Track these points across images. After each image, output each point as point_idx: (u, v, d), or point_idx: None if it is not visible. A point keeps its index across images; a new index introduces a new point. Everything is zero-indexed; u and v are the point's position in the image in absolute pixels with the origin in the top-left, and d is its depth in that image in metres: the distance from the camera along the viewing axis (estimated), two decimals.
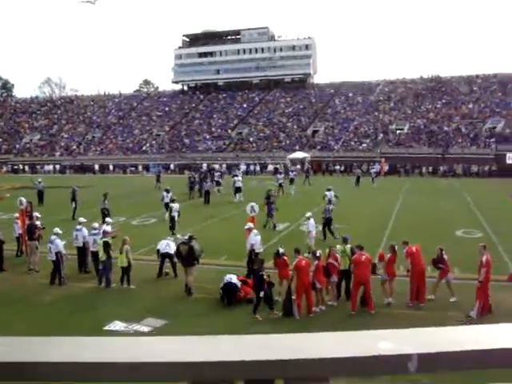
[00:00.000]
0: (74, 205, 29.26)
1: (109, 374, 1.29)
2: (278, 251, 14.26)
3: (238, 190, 36.51)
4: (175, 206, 24.56)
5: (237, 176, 39.54)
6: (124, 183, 54.81)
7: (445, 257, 14.13)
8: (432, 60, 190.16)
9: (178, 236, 21.93)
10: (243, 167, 63.77)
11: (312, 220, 19.28)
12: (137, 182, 54.37)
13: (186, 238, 16.12)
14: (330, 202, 24.03)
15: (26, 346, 1.38)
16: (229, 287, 14.27)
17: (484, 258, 12.86)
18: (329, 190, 27.79)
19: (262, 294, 12.99)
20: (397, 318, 12.85)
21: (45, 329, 12.32)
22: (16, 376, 1.30)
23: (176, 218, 24.26)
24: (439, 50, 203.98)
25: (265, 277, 13.37)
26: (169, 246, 16.94)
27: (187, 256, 15.26)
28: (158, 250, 17.15)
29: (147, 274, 17.17)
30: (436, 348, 1.28)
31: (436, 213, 29.26)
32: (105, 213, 25.56)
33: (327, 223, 22.56)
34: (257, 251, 16.30)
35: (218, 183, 42.30)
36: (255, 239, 16.68)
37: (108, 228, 17.67)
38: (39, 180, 36.09)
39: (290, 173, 46.45)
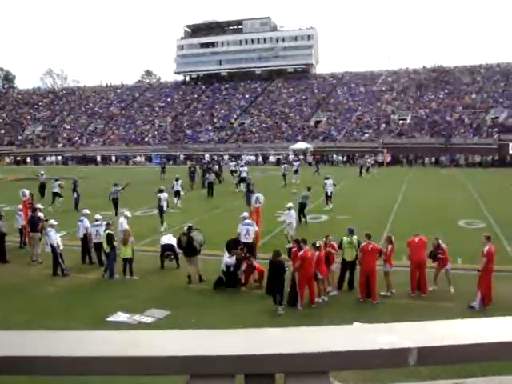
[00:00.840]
0: (75, 195, 29.55)
1: (108, 367, 1.30)
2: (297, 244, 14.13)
3: (242, 180, 36.55)
4: (163, 195, 24.09)
5: (242, 166, 40.59)
6: (126, 174, 54.81)
7: (443, 246, 14.12)
8: (435, 50, 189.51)
9: (162, 229, 22.46)
10: (246, 158, 63.79)
11: (293, 211, 19.12)
12: (139, 173, 54.38)
13: (186, 229, 16.19)
14: (309, 189, 24.80)
15: (22, 340, 1.39)
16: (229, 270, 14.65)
17: (486, 249, 12.83)
18: (327, 178, 28.86)
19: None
20: (399, 309, 12.87)
21: (47, 320, 12.36)
22: (13, 370, 1.31)
23: (164, 208, 24.00)
24: (442, 40, 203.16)
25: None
26: (170, 239, 17.03)
27: (187, 246, 15.37)
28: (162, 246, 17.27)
29: (150, 265, 17.21)
30: (435, 342, 1.29)
31: (438, 203, 29.22)
32: (116, 202, 26.84)
33: (301, 209, 23.50)
34: (243, 241, 16.25)
35: (218, 175, 42.27)
36: (241, 228, 16.79)
37: (124, 222, 17.82)
38: (42, 172, 35.94)
39: (294, 163, 47.03)
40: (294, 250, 13.99)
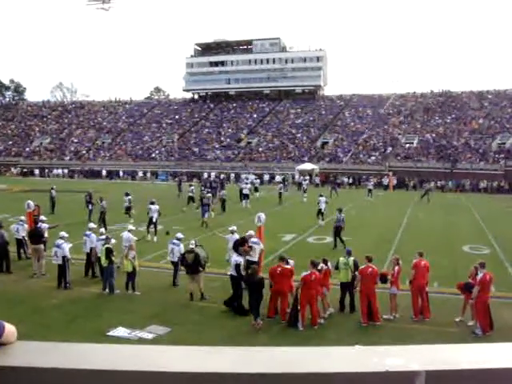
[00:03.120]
0: (90, 207, 30.11)
1: (110, 382, 1.29)
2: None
3: (245, 196, 39.13)
4: (153, 207, 25.31)
5: (247, 184, 42.51)
6: (132, 190, 54.93)
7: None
8: (442, 75, 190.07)
9: (149, 238, 24.07)
10: (252, 177, 63.92)
11: (236, 235, 18.18)
12: (146, 189, 54.42)
13: (192, 245, 16.14)
14: (340, 211, 23.87)
15: (22, 351, 1.38)
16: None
17: (479, 277, 12.66)
18: (321, 195, 30.73)
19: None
20: (401, 333, 12.77)
21: (47, 333, 12.32)
22: (11, 381, 1.30)
23: (154, 220, 24.98)
24: (450, 65, 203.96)
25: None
26: (173, 252, 16.92)
27: (193, 263, 15.28)
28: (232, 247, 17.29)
29: (153, 281, 17.17)
30: (443, 365, 1.27)
31: (443, 228, 29.14)
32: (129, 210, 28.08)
33: (337, 232, 23.16)
34: (248, 258, 16.23)
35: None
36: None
37: (129, 236, 17.79)
38: (53, 186, 35.66)
39: (303, 182, 50.55)
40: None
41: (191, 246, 16.06)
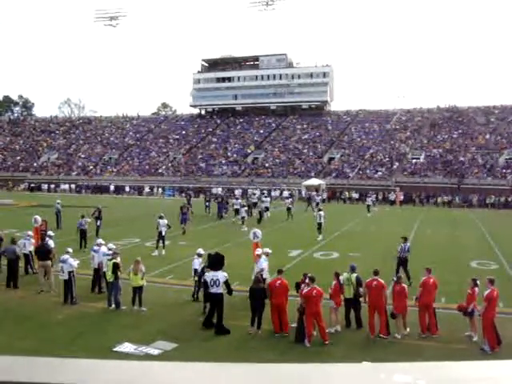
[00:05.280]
0: (98, 223, 30.02)
1: None
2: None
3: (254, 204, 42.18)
4: (162, 221, 25.55)
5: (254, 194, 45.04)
6: (140, 205, 55.06)
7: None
8: (449, 90, 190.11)
9: (156, 253, 24.69)
10: (258, 192, 63.98)
11: (201, 259, 17.47)
12: (154, 204, 54.47)
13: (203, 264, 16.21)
14: (406, 239, 20.39)
15: (28, 366, 1.38)
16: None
17: (486, 293, 12.62)
18: (320, 210, 32.11)
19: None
20: (409, 349, 12.69)
21: (54, 348, 12.30)
22: None
23: (163, 233, 25.24)
24: (456, 81, 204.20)
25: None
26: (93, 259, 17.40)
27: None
28: (196, 270, 17.00)
29: (159, 297, 17.14)
30: (450, 382, 1.27)
31: (450, 243, 29.00)
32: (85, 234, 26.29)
33: (401, 263, 19.38)
34: (264, 276, 16.15)
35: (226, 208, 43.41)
36: (265, 264, 16.68)
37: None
38: (58, 201, 35.76)
39: (316, 197, 51.50)
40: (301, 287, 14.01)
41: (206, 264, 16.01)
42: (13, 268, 18.86)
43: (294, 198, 58.60)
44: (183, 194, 56.47)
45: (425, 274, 14.21)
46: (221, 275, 14.33)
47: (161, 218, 25.91)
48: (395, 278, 14.14)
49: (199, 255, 17.32)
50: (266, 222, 38.02)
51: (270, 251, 17.59)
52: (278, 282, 13.99)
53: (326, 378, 1.32)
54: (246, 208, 37.13)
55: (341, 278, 14.54)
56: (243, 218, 35.91)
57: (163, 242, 25.24)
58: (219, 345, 12.93)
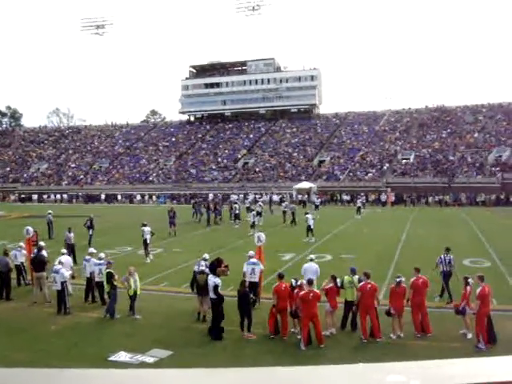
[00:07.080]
0: (90, 232, 30.10)
1: None
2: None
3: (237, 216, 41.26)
4: (146, 229, 25.82)
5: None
6: (131, 213, 54.91)
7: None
8: (437, 90, 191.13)
9: (148, 260, 24.89)
10: (251, 197, 63.78)
11: (203, 263, 17.14)
12: (145, 212, 54.28)
13: (202, 267, 16.19)
14: (448, 250, 17.75)
15: (24, 378, 1.38)
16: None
17: (478, 290, 12.68)
18: (307, 213, 32.59)
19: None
20: (404, 349, 12.72)
21: (49, 359, 12.22)
22: None
23: (148, 241, 25.52)
24: (444, 81, 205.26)
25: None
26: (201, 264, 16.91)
27: (205, 286, 14.94)
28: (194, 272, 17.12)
29: (153, 304, 17.08)
30: (444, 381, 1.28)
31: (443, 242, 29.04)
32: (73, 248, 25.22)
33: (446, 278, 17.10)
34: (249, 280, 16.17)
35: (219, 212, 43.18)
36: (246, 268, 16.72)
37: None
38: (49, 211, 35.49)
39: (315, 200, 51.40)
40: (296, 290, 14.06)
41: (202, 268, 16.06)
42: (5, 280, 18.74)
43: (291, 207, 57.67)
44: (193, 201, 54.65)
45: (414, 275, 14.26)
46: (212, 280, 14.39)
47: (144, 225, 26.29)
48: (397, 280, 14.11)
49: (205, 260, 17.30)
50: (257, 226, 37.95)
51: (253, 253, 17.48)
52: (284, 285, 14.10)
53: (322, 380, 1.33)
54: (255, 213, 37.01)
55: (338, 280, 14.56)
56: (253, 222, 35.97)
57: (146, 249, 25.54)
58: (215, 350, 12.90)
